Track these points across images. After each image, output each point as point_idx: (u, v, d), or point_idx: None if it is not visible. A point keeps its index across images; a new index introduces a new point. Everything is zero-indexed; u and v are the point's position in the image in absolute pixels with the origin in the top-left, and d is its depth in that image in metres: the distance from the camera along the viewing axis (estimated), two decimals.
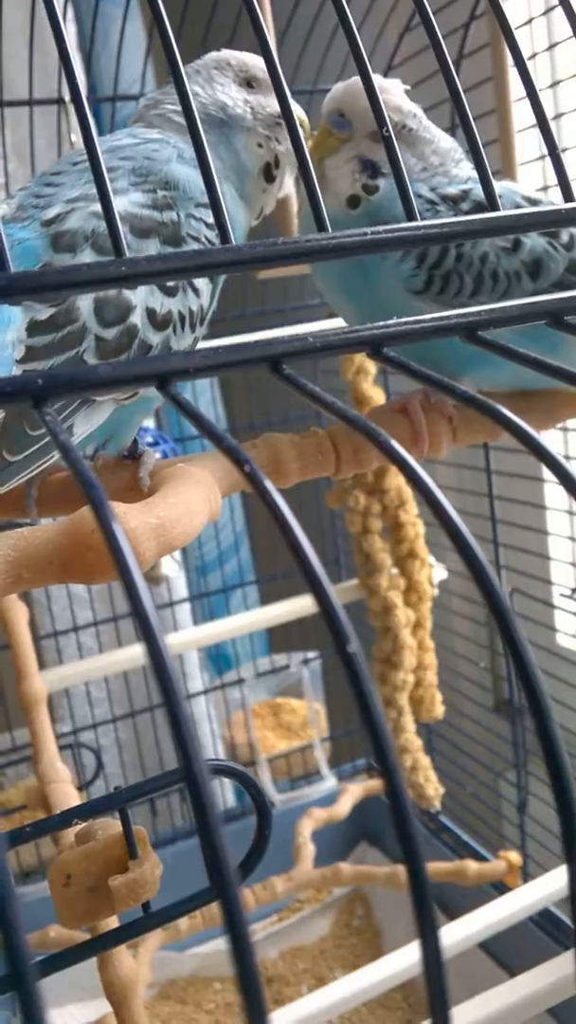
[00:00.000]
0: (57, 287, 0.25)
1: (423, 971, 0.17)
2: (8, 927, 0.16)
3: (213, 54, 0.60)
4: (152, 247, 0.49)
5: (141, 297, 0.48)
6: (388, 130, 0.30)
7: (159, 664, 0.18)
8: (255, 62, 0.59)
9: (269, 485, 0.19)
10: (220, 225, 0.27)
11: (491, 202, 0.30)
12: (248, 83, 0.58)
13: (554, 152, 0.34)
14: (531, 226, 0.30)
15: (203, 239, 0.51)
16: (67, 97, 1.18)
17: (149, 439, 1.03)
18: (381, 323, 0.27)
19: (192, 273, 0.26)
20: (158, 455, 0.55)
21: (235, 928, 0.16)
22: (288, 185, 0.61)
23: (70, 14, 1.40)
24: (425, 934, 0.16)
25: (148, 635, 0.17)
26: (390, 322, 0.27)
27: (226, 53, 0.60)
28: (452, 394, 0.24)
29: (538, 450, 0.23)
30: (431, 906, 0.17)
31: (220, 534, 1.64)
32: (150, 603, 0.17)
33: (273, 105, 0.59)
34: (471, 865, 1.16)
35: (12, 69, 1.38)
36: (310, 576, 0.16)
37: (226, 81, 0.58)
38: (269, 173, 0.59)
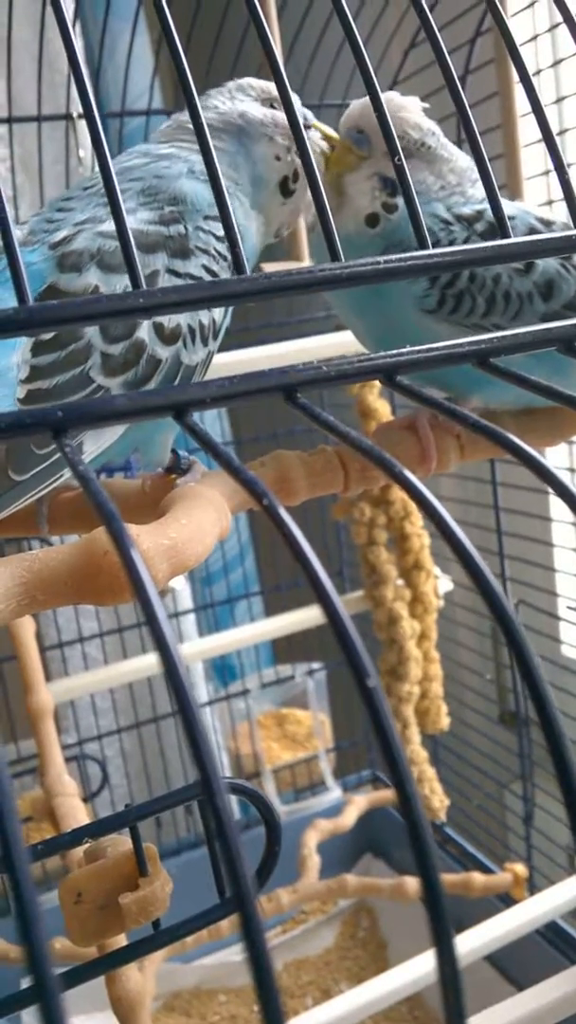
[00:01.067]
0: (75, 320, 0.25)
1: (440, 984, 0.17)
2: (32, 944, 0.16)
3: (234, 81, 0.60)
4: (159, 261, 0.49)
5: None
6: (400, 158, 0.30)
7: (180, 690, 0.18)
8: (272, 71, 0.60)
9: (286, 516, 0.20)
10: (235, 255, 0.28)
11: (501, 228, 0.31)
12: (271, 104, 0.58)
13: (563, 174, 0.34)
14: (540, 253, 0.30)
15: (212, 251, 0.51)
16: (75, 113, 1.18)
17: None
18: (394, 351, 0.27)
19: (206, 304, 0.26)
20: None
21: (254, 945, 0.16)
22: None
23: (77, 28, 1.41)
24: (441, 945, 0.17)
25: (170, 669, 0.18)
26: (403, 350, 0.27)
27: (249, 80, 0.60)
28: (462, 422, 0.24)
29: (545, 474, 0.23)
30: (447, 921, 0.17)
31: (225, 545, 1.65)
32: (173, 637, 0.17)
33: (299, 110, 0.59)
34: (477, 877, 1.16)
35: (20, 83, 1.39)
36: (337, 625, 0.17)
37: (247, 99, 0.58)
38: (286, 187, 0.58)
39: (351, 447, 0.23)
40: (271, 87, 0.59)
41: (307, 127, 0.59)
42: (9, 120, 1.18)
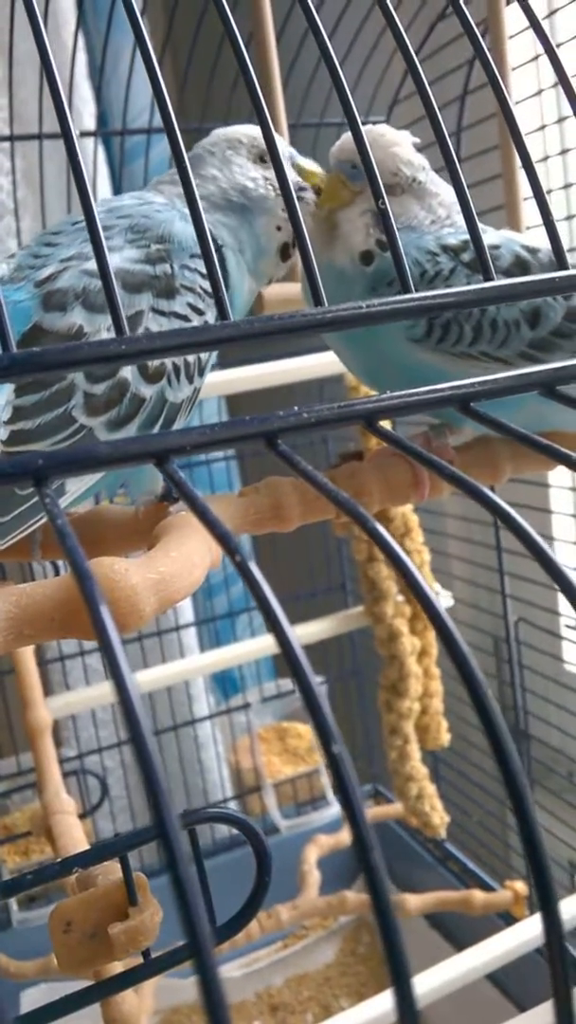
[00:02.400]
0: (58, 366, 0.25)
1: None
2: None
3: (222, 131, 0.60)
4: (144, 301, 0.49)
5: None
6: (384, 202, 0.31)
7: (142, 751, 0.18)
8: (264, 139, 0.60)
9: (260, 577, 0.20)
10: (218, 300, 0.28)
11: (485, 271, 0.31)
12: (262, 158, 0.58)
13: (547, 216, 0.34)
14: (521, 296, 0.31)
15: (198, 289, 0.51)
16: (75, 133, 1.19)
17: None
18: (375, 396, 0.27)
19: (190, 350, 0.27)
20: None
21: (209, 991, 0.16)
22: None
23: (80, 43, 1.42)
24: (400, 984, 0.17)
25: (131, 719, 0.18)
26: (383, 395, 0.27)
27: (235, 130, 0.60)
28: (440, 474, 0.24)
29: (518, 531, 0.23)
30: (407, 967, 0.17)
31: (226, 558, 1.65)
32: (138, 696, 0.18)
33: (291, 177, 0.59)
34: (477, 895, 1.15)
35: (22, 96, 1.40)
36: (308, 696, 0.17)
37: (242, 161, 0.58)
38: (286, 252, 0.59)
39: (329, 499, 0.23)
40: (259, 137, 0.59)
41: (292, 166, 0.60)
42: (11, 138, 1.19)
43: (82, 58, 1.46)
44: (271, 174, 0.58)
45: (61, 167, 1.36)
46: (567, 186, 1.02)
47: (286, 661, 0.18)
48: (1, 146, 1.39)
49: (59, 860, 0.44)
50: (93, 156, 1.26)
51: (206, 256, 0.29)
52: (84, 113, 1.42)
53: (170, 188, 0.57)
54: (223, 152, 0.58)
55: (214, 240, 0.54)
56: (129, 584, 0.35)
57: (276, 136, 0.59)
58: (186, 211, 0.53)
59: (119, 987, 0.42)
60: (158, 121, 1.32)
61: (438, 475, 0.24)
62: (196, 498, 0.23)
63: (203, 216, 0.53)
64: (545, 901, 0.18)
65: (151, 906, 0.44)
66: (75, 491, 0.47)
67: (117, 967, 0.50)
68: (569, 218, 1.04)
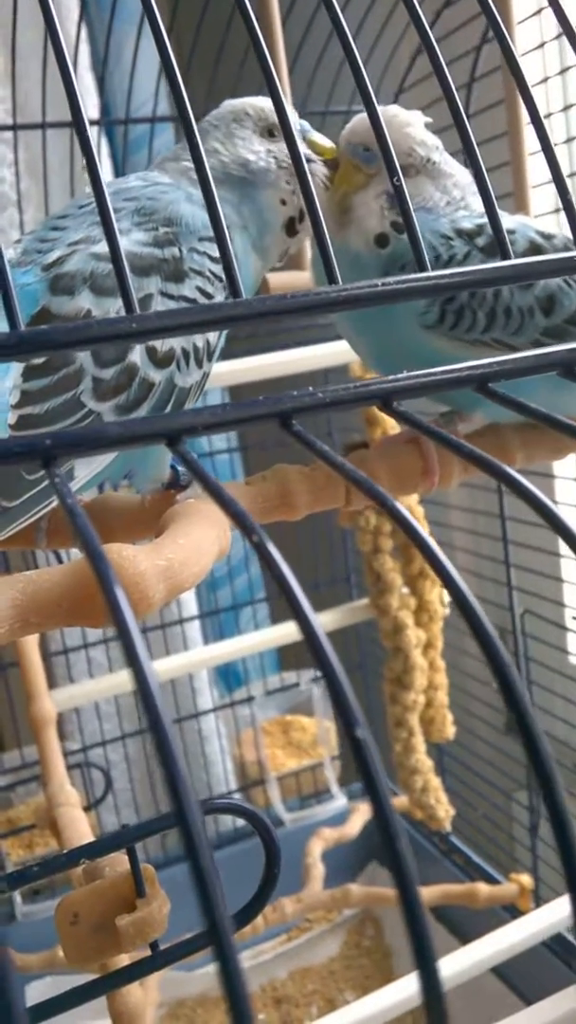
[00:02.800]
0: (67, 344, 0.25)
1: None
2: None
3: (230, 104, 0.58)
4: (153, 284, 0.48)
5: None
6: (399, 179, 0.30)
7: (158, 726, 0.17)
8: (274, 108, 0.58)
9: (277, 556, 0.19)
10: (230, 279, 0.27)
11: (502, 250, 0.30)
12: (269, 132, 0.57)
13: (564, 194, 0.34)
14: (538, 275, 0.30)
15: (207, 272, 0.50)
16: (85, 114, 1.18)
17: None
18: (391, 377, 0.26)
19: (200, 328, 0.26)
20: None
21: (230, 978, 0.16)
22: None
23: (83, 33, 1.41)
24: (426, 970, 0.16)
25: (149, 706, 0.17)
26: (400, 376, 0.27)
27: (243, 102, 0.58)
28: (459, 452, 0.24)
29: (538, 506, 0.22)
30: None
31: (230, 551, 1.64)
32: (156, 682, 0.17)
33: (301, 149, 0.57)
34: (482, 888, 1.15)
35: (25, 88, 1.39)
36: (330, 678, 0.16)
37: (246, 134, 0.57)
38: (292, 227, 0.58)
39: (345, 477, 0.23)
40: (267, 108, 0.57)
41: (304, 140, 0.58)
42: (15, 127, 1.18)
43: (85, 48, 1.45)
44: (276, 147, 0.57)
45: (64, 158, 1.35)
46: (569, 140, 1.01)
47: (307, 643, 0.17)
48: (4, 137, 1.38)
49: (66, 852, 0.43)
50: (97, 147, 1.25)
51: (218, 234, 0.28)
52: (87, 104, 1.41)
53: (174, 166, 0.56)
54: (227, 125, 0.57)
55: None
56: (138, 570, 0.34)
57: (289, 107, 0.58)
58: (192, 191, 0.52)
59: (128, 979, 0.42)
60: (161, 110, 1.32)
61: (455, 453, 0.23)
62: (209, 477, 0.22)
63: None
64: (573, 884, 0.17)
65: (159, 898, 0.44)
66: (83, 476, 0.46)
67: (124, 960, 0.50)
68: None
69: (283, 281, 0.70)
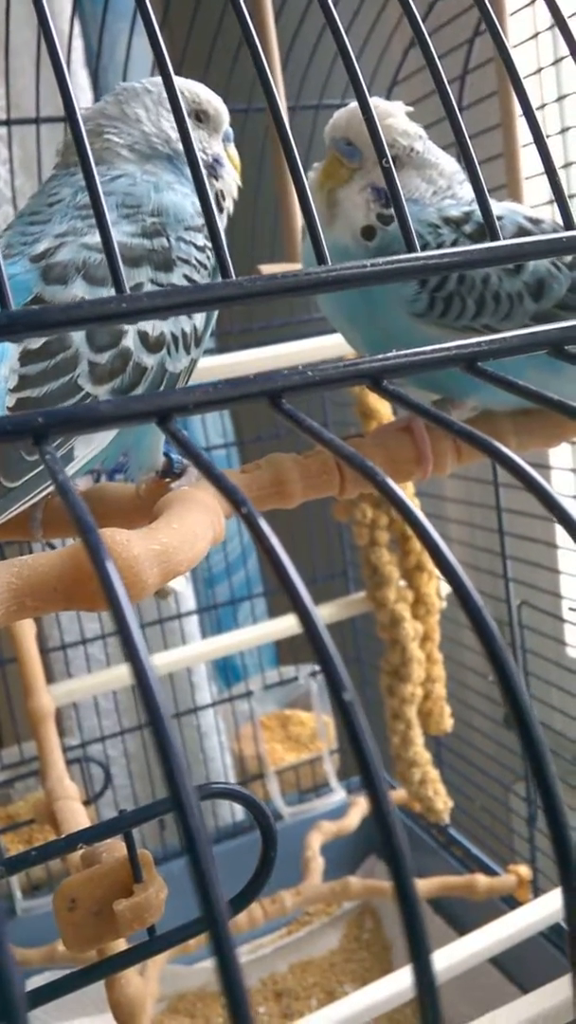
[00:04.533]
0: (58, 324, 0.25)
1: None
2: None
3: (156, 81, 0.58)
4: (144, 275, 0.49)
5: None
6: (388, 161, 0.30)
7: (151, 703, 0.18)
8: (208, 96, 0.58)
9: (266, 528, 0.20)
10: (221, 260, 0.27)
11: (491, 231, 0.30)
12: (197, 116, 0.58)
13: (553, 176, 0.34)
14: (529, 255, 0.30)
15: (193, 260, 0.51)
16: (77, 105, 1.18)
17: None
18: (380, 356, 0.27)
19: (192, 308, 0.26)
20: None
21: (225, 963, 0.16)
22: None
23: (77, 29, 1.41)
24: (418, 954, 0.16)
25: (142, 682, 0.17)
26: (389, 355, 0.27)
27: (178, 82, 0.58)
28: (448, 429, 0.24)
29: (534, 486, 0.23)
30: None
31: (227, 546, 1.64)
32: (146, 653, 0.17)
33: (215, 148, 0.59)
34: (481, 879, 1.15)
35: (20, 85, 1.39)
36: (314, 638, 0.16)
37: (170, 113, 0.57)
38: (219, 205, 0.60)
39: (334, 454, 0.23)
40: (202, 94, 0.58)
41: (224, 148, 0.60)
42: (8, 122, 1.18)
43: (79, 44, 1.45)
44: (200, 135, 0.58)
45: None
46: (564, 130, 1.01)
47: (293, 610, 0.17)
48: None
49: (64, 836, 0.43)
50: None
51: (208, 219, 0.28)
52: (81, 100, 1.41)
53: (105, 152, 0.55)
54: (160, 93, 0.57)
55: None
56: (131, 554, 0.34)
57: (222, 108, 0.58)
58: (148, 177, 0.53)
59: (125, 964, 0.42)
60: None
61: (447, 431, 0.24)
62: (201, 454, 0.23)
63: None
64: (566, 875, 0.18)
65: (156, 883, 0.44)
66: (83, 456, 0.47)
67: (122, 945, 0.50)
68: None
69: (272, 272, 0.70)
